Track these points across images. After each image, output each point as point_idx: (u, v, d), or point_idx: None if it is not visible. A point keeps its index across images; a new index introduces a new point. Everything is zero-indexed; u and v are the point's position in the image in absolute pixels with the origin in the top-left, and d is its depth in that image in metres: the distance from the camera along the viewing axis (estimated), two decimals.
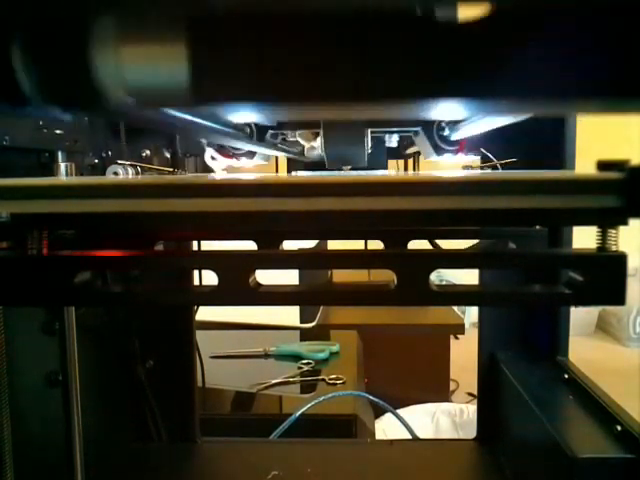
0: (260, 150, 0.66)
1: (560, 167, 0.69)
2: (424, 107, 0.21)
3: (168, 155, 0.76)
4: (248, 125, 0.58)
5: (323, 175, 0.59)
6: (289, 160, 0.78)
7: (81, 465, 0.60)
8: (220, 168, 0.69)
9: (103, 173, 0.60)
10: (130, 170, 0.58)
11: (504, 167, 0.69)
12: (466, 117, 0.51)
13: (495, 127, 0.46)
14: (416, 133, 0.64)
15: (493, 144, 0.74)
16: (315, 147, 0.69)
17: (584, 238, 0.37)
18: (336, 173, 0.64)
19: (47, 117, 0.51)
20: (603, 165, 0.28)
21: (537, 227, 0.34)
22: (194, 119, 0.35)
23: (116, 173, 0.59)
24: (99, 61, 0.19)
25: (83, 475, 0.60)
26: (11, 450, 0.47)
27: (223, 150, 0.67)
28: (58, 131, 0.54)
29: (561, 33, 0.18)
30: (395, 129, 0.65)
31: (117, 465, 0.75)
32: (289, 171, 0.85)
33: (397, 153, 0.75)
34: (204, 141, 0.66)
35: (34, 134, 0.51)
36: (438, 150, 0.61)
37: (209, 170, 0.91)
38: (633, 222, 0.28)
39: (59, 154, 0.54)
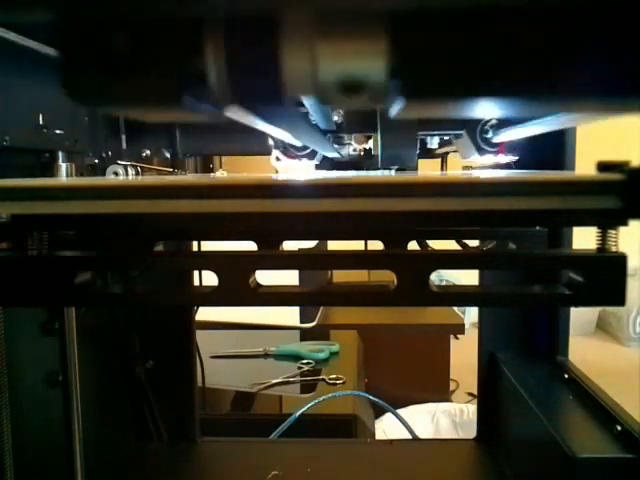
0: (327, 151, 0.69)
1: (560, 168, 0.69)
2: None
3: (168, 155, 0.76)
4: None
5: (333, 175, 0.61)
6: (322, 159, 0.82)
7: (81, 465, 0.60)
8: (283, 168, 0.71)
9: (103, 173, 0.60)
10: (130, 170, 0.58)
11: (504, 167, 0.69)
12: (508, 120, 0.54)
13: (536, 133, 0.48)
14: (457, 135, 0.67)
15: (516, 144, 0.73)
16: (367, 149, 0.73)
17: (584, 239, 0.37)
18: (359, 173, 0.67)
19: (47, 117, 0.51)
20: (603, 166, 0.28)
21: (537, 228, 0.34)
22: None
23: (116, 173, 0.59)
24: (290, 58, 0.19)
25: (83, 475, 0.60)
26: (11, 450, 0.47)
27: (286, 151, 0.70)
28: (58, 131, 0.54)
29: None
30: (441, 131, 0.68)
31: (117, 465, 0.75)
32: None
33: (428, 153, 0.77)
34: (271, 143, 0.69)
35: (34, 134, 0.51)
36: (480, 150, 0.64)
37: (209, 170, 0.91)
38: (633, 222, 0.28)
39: (59, 154, 0.54)
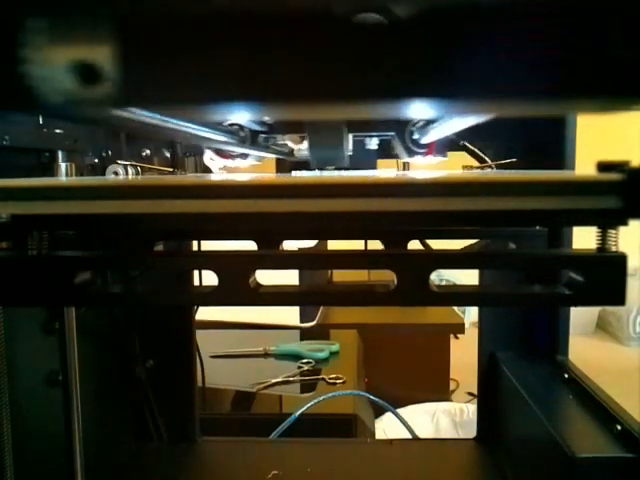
0: (253, 152, 0.70)
1: (560, 167, 0.69)
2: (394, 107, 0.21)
3: (168, 155, 0.76)
4: (242, 129, 0.62)
5: (322, 176, 0.62)
6: (277, 160, 0.83)
7: (81, 465, 0.60)
8: (217, 168, 0.72)
9: (103, 173, 0.60)
10: (130, 170, 0.58)
11: (504, 167, 0.69)
12: (433, 121, 0.54)
13: (458, 129, 0.48)
14: (393, 137, 0.68)
15: (493, 143, 0.74)
16: (302, 149, 0.74)
17: (584, 239, 0.37)
18: (335, 173, 0.68)
19: (47, 116, 0.51)
20: (603, 166, 0.28)
21: (537, 227, 0.34)
22: (186, 125, 0.35)
23: (116, 173, 0.59)
24: (31, 61, 0.19)
25: (83, 475, 0.60)
26: (11, 450, 0.47)
27: (221, 152, 0.71)
28: (58, 131, 0.54)
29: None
30: (373, 133, 0.70)
31: (117, 465, 0.75)
32: (277, 171, 0.91)
33: (389, 153, 0.79)
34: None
35: (34, 134, 0.51)
36: (410, 152, 0.66)
37: (209, 170, 0.91)
38: (633, 222, 0.28)
39: (59, 154, 0.54)
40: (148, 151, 0.72)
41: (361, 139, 0.73)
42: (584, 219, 0.29)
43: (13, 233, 0.31)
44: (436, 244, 0.34)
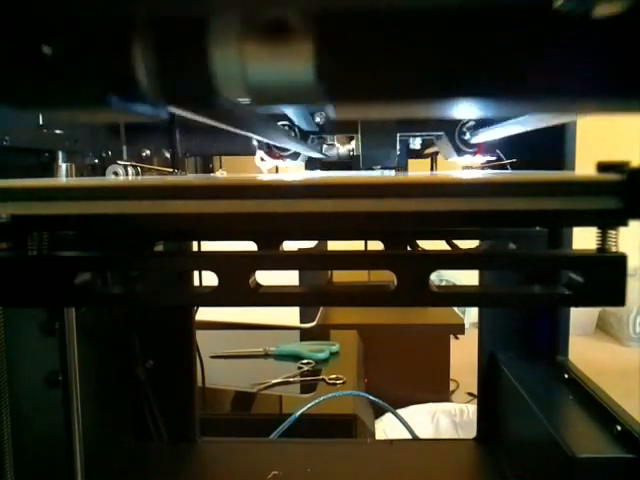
0: (306, 152, 0.70)
1: (560, 168, 0.69)
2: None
3: (168, 155, 0.76)
4: (291, 128, 0.62)
5: (337, 175, 0.63)
6: (308, 160, 0.83)
7: (81, 465, 0.60)
8: (267, 169, 0.72)
9: (103, 173, 0.60)
10: (130, 170, 0.58)
11: (504, 167, 0.69)
12: (484, 121, 0.56)
13: (510, 134, 0.48)
14: (438, 137, 0.69)
15: (493, 144, 0.74)
16: (349, 149, 0.75)
17: (584, 239, 0.37)
18: (352, 174, 0.68)
19: (47, 117, 0.51)
20: (603, 167, 0.28)
21: (537, 228, 0.34)
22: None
23: (116, 173, 0.59)
24: (219, 60, 0.19)
25: (83, 475, 0.60)
26: (11, 450, 0.47)
27: (271, 152, 0.71)
28: (58, 131, 0.54)
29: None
30: (422, 133, 0.70)
31: (117, 465, 0.75)
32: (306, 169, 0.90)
33: (417, 154, 0.79)
34: (255, 144, 0.70)
35: (34, 134, 0.51)
36: (459, 152, 0.66)
37: (209, 170, 0.91)
38: (633, 222, 0.28)
39: (59, 154, 0.54)
40: (148, 151, 0.72)
41: (405, 139, 0.74)
42: (584, 219, 0.29)
43: (13, 233, 0.31)
44: (436, 245, 0.34)
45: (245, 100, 0.21)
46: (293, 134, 0.65)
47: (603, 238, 0.29)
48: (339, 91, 0.20)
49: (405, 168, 0.78)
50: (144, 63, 0.19)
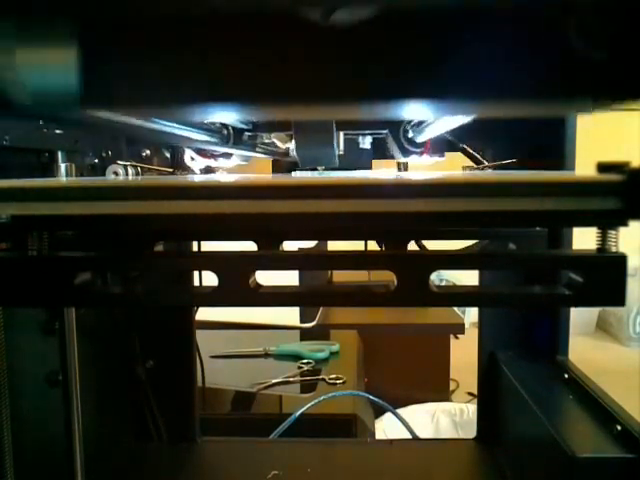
0: (237, 152, 0.68)
1: (560, 168, 0.69)
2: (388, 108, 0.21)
3: (168, 155, 0.76)
4: (225, 127, 0.60)
5: (322, 176, 0.61)
6: (274, 161, 0.81)
7: (81, 465, 0.60)
8: (198, 168, 0.71)
9: (103, 173, 0.60)
10: (130, 170, 0.58)
11: (504, 167, 0.69)
12: (426, 120, 0.53)
13: (451, 127, 0.47)
14: (387, 135, 0.66)
15: (494, 143, 0.74)
16: (289, 148, 0.71)
17: (584, 238, 0.37)
18: (335, 174, 0.66)
19: (46, 117, 0.51)
20: (603, 167, 0.28)
21: (537, 228, 0.34)
22: (165, 125, 0.35)
23: (116, 173, 0.59)
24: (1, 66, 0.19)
25: (83, 475, 0.60)
26: (11, 450, 0.47)
27: (202, 151, 0.69)
28: (58, 131, 0.54)
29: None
30: (366, 131, 0.67)
31: (117, 465, 0.75)
32: (273, 171, 0.87)
33: (384, 153, 0.77)
34: None
35: (34, 134, 0.51)
36: (404, 152, 0.63)
37: (209, 170, 0.91)
38: (633, 222, 0.28)
39: (59, 154, 0.54)
40: (148, 151, 0.72)
41: (353, 138, 0.71)
42: (584, 220, 0.29)
43: (13, 233, 0.31)
44: (436, 245, 0.34)
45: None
46: (226, 132, 0.62)
47: (603, 238, 0.29)
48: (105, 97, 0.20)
49: (369, 167, 0.76)
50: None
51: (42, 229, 0.31)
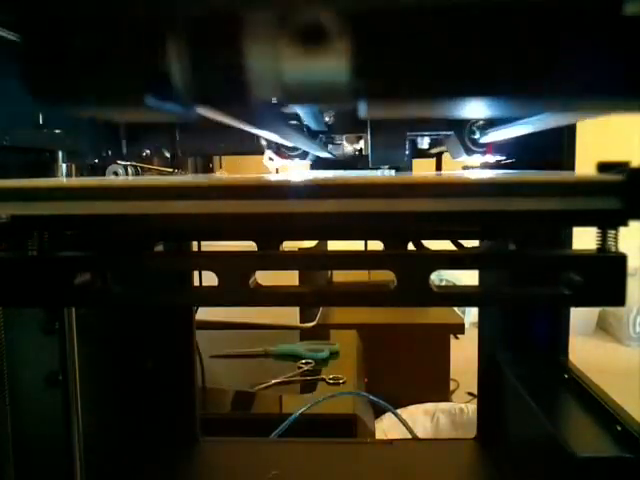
0: (316, 151, 0.69)
1: (560, 167, 0.69)
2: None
3: (168, 155, 0.76)
4: (301, 129, 0.62)
5: (340, 175, 0.62)
6: (314, 159, 0.82)
7: (81, 465, 0.60)
8: (275, 168, 0.72)
9: (103, 173, 0.60)
10: (130, 170, 0.58)
11: (504, 167, 0.69)
12: (494, 121, 0.56)
13: (520, 134, 0.48)
14: (446, 136, 0.69)
15: (494, 143, 0.74)
16: (356, 149, 0.75)
17: (584, 239, 0.37)
18: (354, 173, 0.68)
19: (47, 116, 0.51)
20: (603, 167, 0.28)
21: (537, 228, 0.34)
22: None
23: (116, 173, 0.59)
24: (254, 59, 0.19)
25: (83, 475, 0.60)
26: (11, 450, 0.47)
27: (279, 151, 0.70)
28: (58, 131, 0.54)
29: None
30: (431, 132, 0.69)
31: (117, 465, 0.75)
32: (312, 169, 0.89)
33: (422, 153, 0.79)
34: (264, 143, 0.69)
35: (34, 134, 0.51)
36: (469, 151, 0.66)
37: (209, 170, 0.91)
38: (633, 222, 0.28)
39: (59, 154, 0.54)
40: (148, 151, 0.72)
41: (413, 138, 0.73)
42: (584, 220, 0.29)
43: (13, 233, 0.31)
44: (436, 245, 0.34)
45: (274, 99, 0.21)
46: (306, 132, 0.64)
47: (603, 238, 0.29)
48: (374, 90, 0.19)
49: (410, 168, 0.78)
50: (179, 62, 0.19)
51: (42, 229, 0.31)
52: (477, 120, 0.63)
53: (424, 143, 0.74)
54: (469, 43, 0.19)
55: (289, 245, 0.33)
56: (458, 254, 0.32)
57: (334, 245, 0.37)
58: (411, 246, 0.34)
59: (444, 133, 0.68)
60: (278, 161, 0.71)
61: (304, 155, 0.71)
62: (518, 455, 0.70)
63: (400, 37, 0.19)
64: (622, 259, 0.29)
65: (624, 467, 0.50)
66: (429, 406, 1.44)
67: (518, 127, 0.45)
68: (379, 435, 1.18)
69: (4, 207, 0.28)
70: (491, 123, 0.59)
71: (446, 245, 0.33)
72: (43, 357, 0.57)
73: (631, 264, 0.29)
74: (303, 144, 0.62)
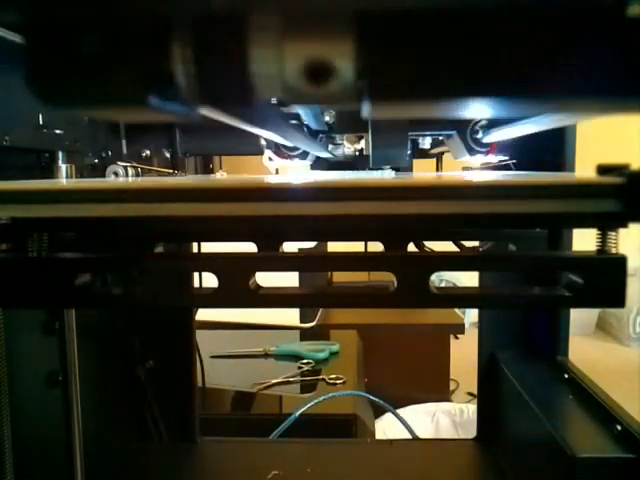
0: (316, 151, 0.69)
1: (560, 169, 0.69)
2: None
3: (168, 155, 0.76)
4: (301, 128, 0.62)
5: (339, 177, 0.62)
6: (315, 159, 0.82)
7: (81, 465, 0.60)
8: (275, 168, 0.72)
9: (103, 173, 0.60)
10: (130, 171, 0.58)
11: (504, 168, 0.69)
12: (498, 121, 0.55)
13: (523, 134, 0.48)
14: (448, 136, 0.69)
15: (497, 144, 0.74)
16: (357, 149, 0.74)
17: (584, 239, 0.37)
18: (354, 174, 0.68)
19: (47, 117, 0.51)
20: (603, 169, 0.28)
21: (537, 229, 0.34)
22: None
23: (116, 173, 0.59)
24: (258, 60, 0.19)
25: (83, 475, 0.60)
26: (11, 450, 0.47)
27: (279, 151, 0.70)
28: (58, 131, 0.54)
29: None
30: (433, 132, 0.70)
31: (117, 465, 0.75)
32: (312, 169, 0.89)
33: (423, 153, 0.79)
34: (263, 143, 0.69)
35: (34, 134, 0.51)
36: (471, 151, 0.65)
37: (209, 171, 0.91)
38: (633, 224, 0.28)
39: (59, 154, 0.54)
40: (148, 151, 0.72)
41: (414, 138, 0.73)
42: (584, 221, 0.29)
43: (13, 235, 0.31)
44: (436, 246, 0.34)
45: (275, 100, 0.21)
46: (307, 131, 0.64)
47: (603, 239, 0.29)
48: (379, 91, 0.19)
49: (410, 168, 0.78)
50: (183, 63, 0.19)
51: (42, 231, 0.31)
52: (480, 120, 0.63)
53: (425, 143, 0.74)
54: (472, 43, 0.19)
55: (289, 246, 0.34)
56: (458, 256, 0.32)
57: (334, 246, 0.37)
58: (411, 246, 0.34)
59: (446, 133, 0.68)
60: (278, 161, 0.71)
61: (304, 155, 0.71)
62: (518, 455, 0.70)
63: (404, 38, 0.19)
64: (622, 260, 0.29)
65: (624, 467, 0.50)
66: (429, 406, 1.44)
67: (520, 127, 0.45)
68: (379, 435, 1.18)
69: (4, 209, 0.29)
70: (494, 123, 0.59)
71: (447, 246, 0.33)
72: (43, 357, 0.57)
73: (631, 264, 0.29)
74: (303, 144, 0.62)
